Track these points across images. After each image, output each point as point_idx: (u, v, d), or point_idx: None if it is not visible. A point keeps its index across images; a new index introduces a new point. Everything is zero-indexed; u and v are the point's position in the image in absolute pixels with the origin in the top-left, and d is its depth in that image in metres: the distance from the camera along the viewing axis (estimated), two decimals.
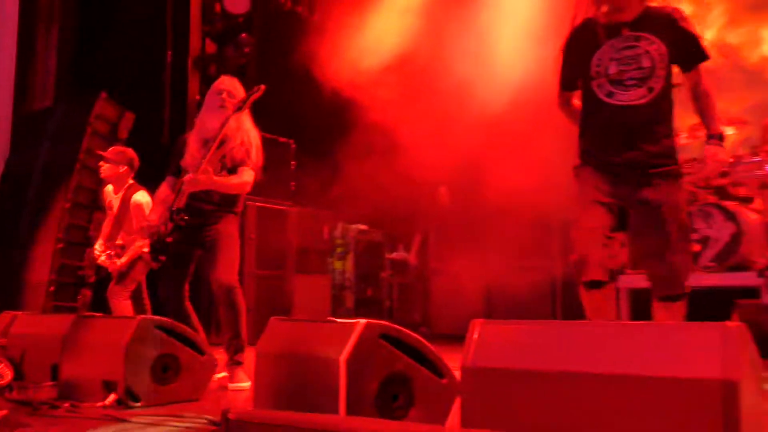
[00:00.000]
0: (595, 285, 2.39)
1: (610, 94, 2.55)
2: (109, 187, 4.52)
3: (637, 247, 2.57)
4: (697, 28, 2.63)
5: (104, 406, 2.41)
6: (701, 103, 2.60)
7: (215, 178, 3.22)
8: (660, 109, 2.57)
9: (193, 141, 3.42)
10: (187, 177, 3.24)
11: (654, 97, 2.51)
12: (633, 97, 2.52)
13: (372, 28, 6.77)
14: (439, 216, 7.35)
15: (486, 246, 6.61)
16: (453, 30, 7.30)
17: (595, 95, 2.58)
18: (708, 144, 2.59)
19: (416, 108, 6.49)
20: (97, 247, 4.42)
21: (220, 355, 3.34)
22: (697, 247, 5.00)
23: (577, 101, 2.77)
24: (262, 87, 3.20)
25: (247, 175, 3.37)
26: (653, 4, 2.63)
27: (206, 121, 3.42)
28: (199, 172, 3.18)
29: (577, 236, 2.50)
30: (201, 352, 2.79)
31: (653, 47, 2.53)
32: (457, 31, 7.32)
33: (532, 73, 6.72)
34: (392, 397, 1.95)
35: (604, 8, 2.61)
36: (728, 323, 1.32)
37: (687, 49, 2.58)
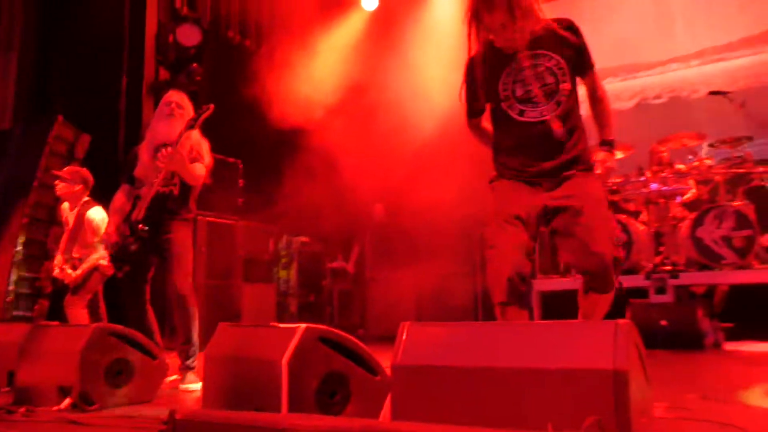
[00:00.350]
0: (507, 304, 2.29)
1: (521, 113, 2.45)
2: (66, 204, 4.37)
3: (565, 248, 2.44)
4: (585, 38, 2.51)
5: (59, 410, 2.31)
6: (596, 108, 2.53)
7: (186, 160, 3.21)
8: (570, 120, 2.45)
9: (144, 151, 3.36)
10: (163, 152, 3.17)
11: (563, 110, 2.42)
12: (543, 112, 2.42)
13: (314, 61, 6.79)
14: (375, 229, 7.40)
15: (417, 256, 6.70)
16: (388, 62, 7.39)
17: (507, 115, 2.47)
18: (599, 149, 2.51)
19: (354, 132, 6.53)
20: (56, 260, 4.26)
21: (174, 359, 3.24)
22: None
23: (486, 123, 2.65)
24: (212, 106, 3.18)
25: (200, 169, 3.34)
26: (544, 19, 2.49)
27: (157, 129, 3.39)
28: (175, 152, 3.11)
29: (491, 256, 2.38)
30: (153, 357, 2.71)
31: (552, 62, 2.44)
32: (392, 62, 7.42)
33: (455, 100, 6.95)
34: (330, 394, 1.94)
35: (497, 38, 2.44)
36: (619, 321, 1.38)
37: (579, 59, 2.48)
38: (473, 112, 2.65)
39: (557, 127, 2.38)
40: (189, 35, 6.34)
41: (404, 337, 1.62)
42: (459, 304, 6.56)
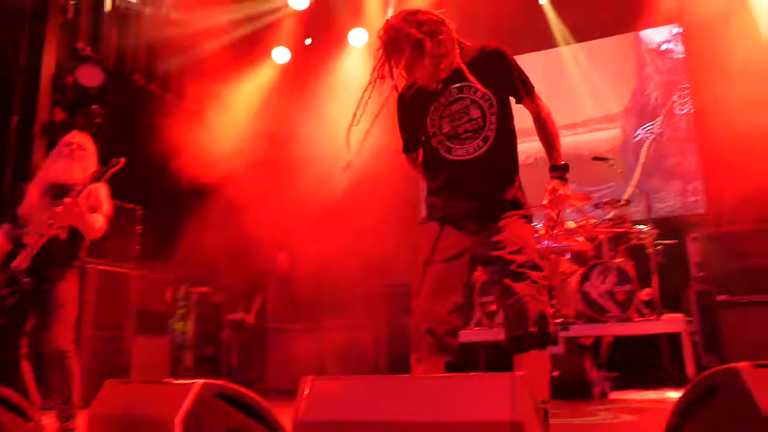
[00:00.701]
0: (421, 361, 2.18)
1: (448, 150, 2.33)
2: None
3: (494, 293, 2.31)
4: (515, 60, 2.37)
5: None
6: (541, 132, 2.38)
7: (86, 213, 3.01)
8: (500, 157, 2.34)
9: (33, 189, 3.14)
10: (62, 205, 2.93)
11: (490, 146, 2.30)
12: (470, 150, 2.30)
13: (221, 110, 6.72)
14: (279, 279, 7.25)
15: (320, 308, 6.61)
16: (297, 113, 7.45)
17: (437, 151, 2.36)
18: (550, 176, 2.35)
19: (259, 181, 6.46)
20: None
21: (52, 420, 2.96)
22: (493, 307, 5.35)
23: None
24: (122, 160, 3.03)
25: (99, 221, 3.15)
26: (470, 46, 2.38)
27: (51, 168, 3.19)
28: (74, 204, 2.91)
29: (413, 307, 2.26)
30: (27, 418, 2.45)
31: (477, 95, 2.31)
32: (300, 114, 7.48)
33: (363, 151, 7.09)
34: None
35: (417, 78, 2.33)
36: (516, 373, 1.42)
37: (511, 86, 2.35)
38: (408, 147, 2.55)
39: (482, 168, 2.29)
40: (90, 76, 6.08)
41: (306, 392, 1.57)
42: (363, 358, 6.49)
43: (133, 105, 6.73)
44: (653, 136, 6.38)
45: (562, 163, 2.36)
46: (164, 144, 5.92)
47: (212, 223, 6.17)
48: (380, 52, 2.28)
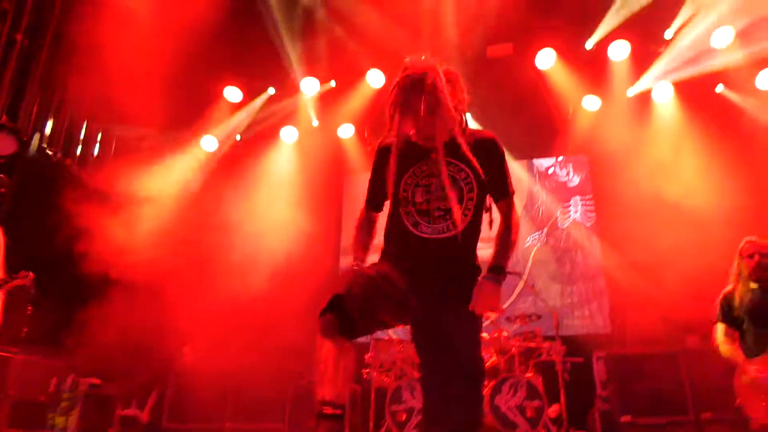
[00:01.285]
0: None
1: (415, 225, 2.26)
2: None
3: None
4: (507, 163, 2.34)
5: None
6: (504, 236, 2.29)
7: None
8: (468, 242, 2.28)
9: None
10: None
11: (461, 230, 2.23)
12: (438, 230, 2.24)
13: (136, 188, 6.48)
14: (180, 374, 6.75)
15: (224, 407, 6.17)
16: (220, 201, 7.29)
17: (402, 221, 2.28)
18: (484, 278, 2.24)
19: (168, 271, 6.17)
20: None
21: None
22: (402, 416, 5.17)
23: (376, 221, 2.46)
24: (31, 275, 2.84)
25: None
26: (471, 130, 2.34)
27: None
28: None
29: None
30: None
31: (461, 175, 2.26)
32: (224, 203, 7.34)
33: (283, 251, 7.02)
34: None
35: (417, 129, 2.25)
36: None
37: (494, 181, 2.29)
38: (372, 204, 2.45)
39: (448, 250, 2.22)
40: (2, 145, 5.77)
41: None
42: None
43: (47, 180, 6.39)
44: (539, 244, 6.96)
45: (501, 265, 2.25)
46: (72, 225, 5.60)
47: (112, 310, 5.75)
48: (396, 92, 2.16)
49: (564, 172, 7.15)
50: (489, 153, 2.28)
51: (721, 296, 3.97)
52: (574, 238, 6.93)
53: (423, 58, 2.20)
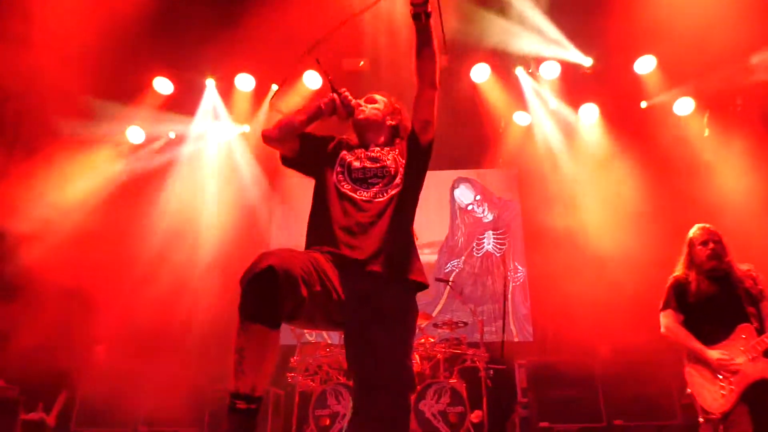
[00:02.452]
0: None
1: (354, 190, 2.38)
2: None
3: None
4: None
5: None
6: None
7: None
8: (403, 216, 2.38)
9: None
10: None
11: (397, 197, 2.37)
12: (374, 194, 2.36)
13: (58, 195, 6.10)
14: (91, 376, 6.37)
15: (137, 411, 5.87)
16: (140, 210, 6.96)
17: (337, 189, 2.39)
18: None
19: (84, 267, 5.85)
20: None
21: None
22: (326, 421, 5.09)
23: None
24: None
25: None
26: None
27: None
28: None
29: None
30: None
31: (395, 155, 2.47)
32: (147, 210, 7.03)
33: (209, 251, 6.81)
34: None
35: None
36: None
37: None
38: (294, 148, 2.52)
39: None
40: None
41: None
42: None
43: None
44: (457, 270, 7.81)
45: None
46: None
47: (15, 308, 5.38)
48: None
49: (480, 209, 8.18)
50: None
51: (671, 281, 3.75)
52: (486, 266, 7.88)
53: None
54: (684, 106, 6.99)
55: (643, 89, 6.97)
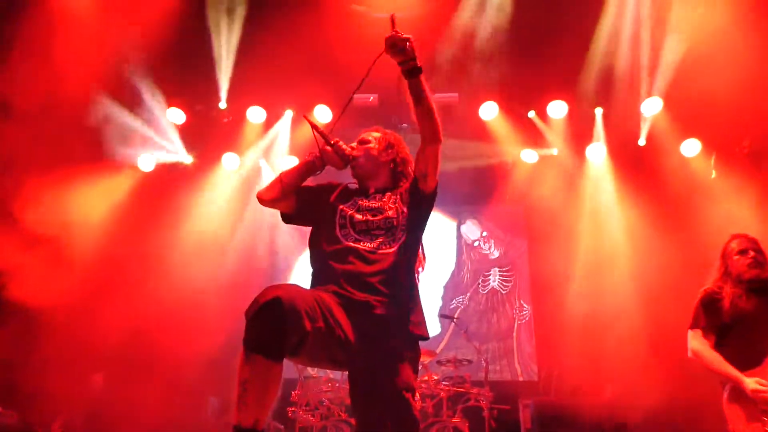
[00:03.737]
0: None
1: (357, 241, 2.36)
2: None
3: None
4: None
5: None
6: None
7: None
8: (404, 266, 2.37)
9: None
10: None
11: (399, 247, 2.35)
12: (377, 245, 2.34)
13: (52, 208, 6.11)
14: (89, 403, 6.31)
15: None
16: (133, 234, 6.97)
17: (338, 240, 2.37)
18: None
19: (85, 294, 5.84)
20: None
21: None
22: None
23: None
24: None
25: None
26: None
27: None
28: None
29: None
30: None
31: (396, 204, 2.45)
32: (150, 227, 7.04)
33: (210, 283, 6.77)
34: None
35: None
36: None
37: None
38: (290, 208, 2.57)
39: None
40: None
41: None
42: None
43: None
44: (462, 306, 7.75)
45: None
46: None
47: (12, 334, 5.35)
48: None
49: (487, 246, 8.14)
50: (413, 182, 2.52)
51: (701, 295, 3.28)
52: (492, 303, 7.82)
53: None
54: (690, 147, 7.01)
55: (650, 130, 7.01)
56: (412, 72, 2.29)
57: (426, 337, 2.35)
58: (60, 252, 5.93)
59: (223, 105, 7.03)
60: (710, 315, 3.20)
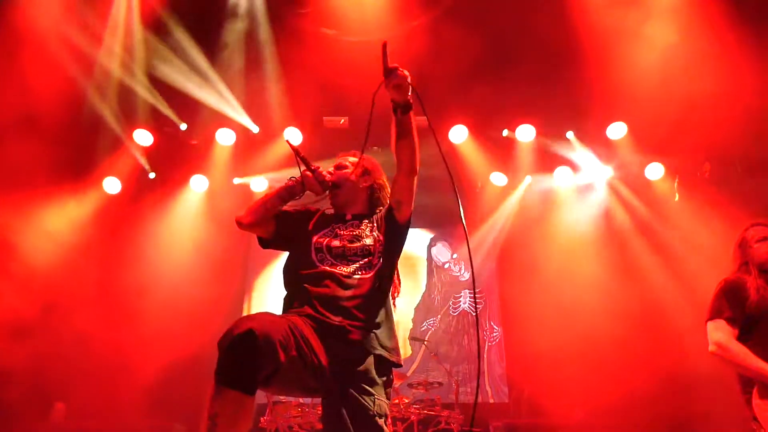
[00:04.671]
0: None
1: (333, 265, 2.35)
2: None
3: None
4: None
5: None
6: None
7: None
8: (379, 295, 2.35)
9: None
10: None
11: (375, 274, 2.35)
12: (355, 271, 2.34)
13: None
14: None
15: None
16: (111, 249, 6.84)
17: (314, 264, 2.35)
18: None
19: (46, 320, 5.67)
20: None
21: None
22: None
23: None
24: None
25: None
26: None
27: None
28: None
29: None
30: None
31: (374, 233, 2.45)
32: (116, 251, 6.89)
33: (179, 308, 6.63)
34: None
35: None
36: None
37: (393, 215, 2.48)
38: (267, 234, 2.54)
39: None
40: None
41: None
42: None
43: None
44: (433, 329, 7.76)
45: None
46: None
47: None
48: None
49: (457, 268, 8.20)
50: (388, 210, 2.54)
51: (722, 284, 2.98)
52: (462, 325, 7.83)
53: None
54: (654, 171, 7.19)
55: (615, 154, 7.17)
56: (405, 109, 2.30)
57: (399, 365, 2.35)
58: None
59: (183, 126, 6.99)
60: (735, 304, 2.88)
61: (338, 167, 2.63)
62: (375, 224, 2.49)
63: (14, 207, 5.91)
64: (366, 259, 2.36)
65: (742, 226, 3.12)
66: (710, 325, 2.92)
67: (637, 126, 6.75)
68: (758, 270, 2.96)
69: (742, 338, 2.86)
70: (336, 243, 2.40)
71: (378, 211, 2.58)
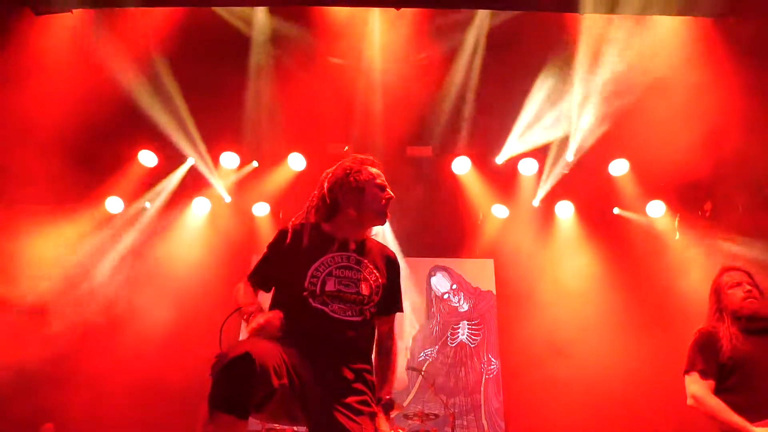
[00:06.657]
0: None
1: (324, 303, 2.23)
2: None
3: None
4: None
5: None
6: (383, 360, 2.38)
7: None
8: (368, 338, 2.32)
9: None
10: None
11: (366, 321, 2.29)
12: (348, 314, 2.25)
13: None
14: None
15: None
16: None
17: (306, 302, 2.24)
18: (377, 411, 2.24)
19: (39, 340, 5.63)
20: None
21: None
22: None
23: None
24: None
25: None
26: (373, 239, 2.49)
27: None
28: None
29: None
30: None
31: (372, 277, 2.34)
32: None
33: (175, 330, 6.57)
34: None
35: (327, 226, 2.40)
36: None
37: (389, 294, 2.39)
38: (259, 281, 2.39)
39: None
40: None
41: None
42: None
43: None
44: (430, 359, 7.69)
45: (389, 398, 2.31)
46: None
47: None
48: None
49: (456, 299, 8.11)
50: (392, 267, 2.46)
51: (696, 336, 2.97)
52: (460, 357, 7.77)
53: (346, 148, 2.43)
54: (655, 209, 7.20)
55: (616, 190, 7.19)
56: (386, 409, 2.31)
57: (392, 403, 2.33)
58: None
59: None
60: (708, 356, 2.87)
61: (381, 188, 2.46)
62: (377, 271, 2.40)
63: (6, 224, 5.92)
64: (359, 305, 2.29)
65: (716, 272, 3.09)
66: (687, 378, 2.94)
67: (639, 164, 6.79)
68: (732, 317, 2.93)
69: (720, 388, 2.84)
70: (330, 286, 2.28)
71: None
